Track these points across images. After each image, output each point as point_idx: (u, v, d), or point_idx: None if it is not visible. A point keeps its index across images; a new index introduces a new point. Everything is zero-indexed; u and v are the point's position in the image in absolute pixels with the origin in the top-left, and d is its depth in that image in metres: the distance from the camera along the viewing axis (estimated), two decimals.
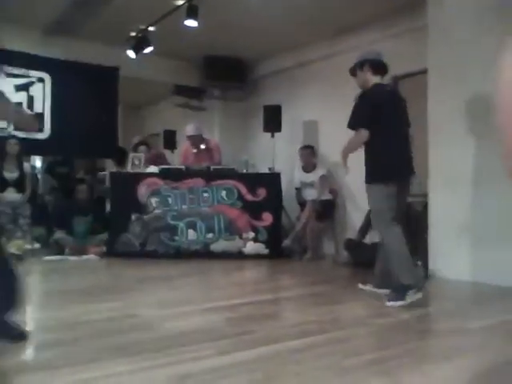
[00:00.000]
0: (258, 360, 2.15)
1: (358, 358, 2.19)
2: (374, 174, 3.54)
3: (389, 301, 3.25)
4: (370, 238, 5.23)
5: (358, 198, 5.98)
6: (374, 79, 3.64)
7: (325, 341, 2.45)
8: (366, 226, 5.27)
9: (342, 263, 5.34)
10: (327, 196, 6.01)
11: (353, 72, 3.81)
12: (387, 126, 3.47)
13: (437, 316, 3.26)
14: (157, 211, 5.56)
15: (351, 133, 6.07)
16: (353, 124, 3.61)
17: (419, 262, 4.41)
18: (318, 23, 5.89)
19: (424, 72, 4.75)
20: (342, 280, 4.67)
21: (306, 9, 5.49)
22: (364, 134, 3.50)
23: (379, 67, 3.69)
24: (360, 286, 3.86)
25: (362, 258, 4.97)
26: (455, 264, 4.25)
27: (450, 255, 4.30)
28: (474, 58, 4.18)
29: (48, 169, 7.70)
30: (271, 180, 5.83)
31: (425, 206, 4.64)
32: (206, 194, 5.62)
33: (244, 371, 2.01)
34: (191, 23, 5.34)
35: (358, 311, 3.25)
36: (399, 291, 3.24)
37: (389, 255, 3.43)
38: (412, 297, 3.20)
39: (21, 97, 6.28)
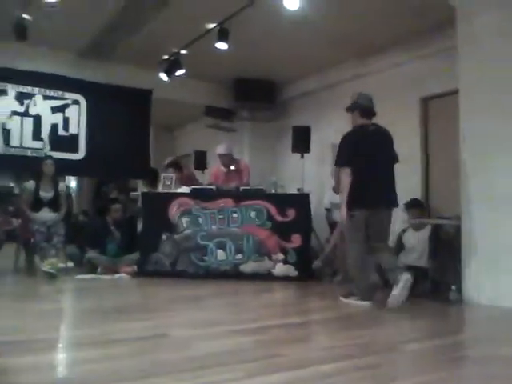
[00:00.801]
0: None
1: None
2: (349, 202, 4.10)
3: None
4: (403, 260, 5.15)
5: None
6: (361, 121, 4.28)
7: (355, 366, 2.41)
8: (398, 249, 5.20)
9: (373, 285, 5.25)
10: None
11: (348, 110, 4.41)
12: (362, 162, 4.06)
13: (471, 343, 3.17)
14: (187, 231, 5.61)
15: None
16: (336, 163, 4.26)
17: (453, 287, 4.32)
18: (345, 45, 5.95)
19: (454, 93, 4.70)
20: (373, 303, 4.59)
21: (332, 31, 5.55)
22: (347, 171, 4.08)
23: (367, 112, 4.31)
24: (341, 298, 4.27)
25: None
26: (489, 289, 4.13)
27: (485, 280, 4.18)
28: (507, 76, 4.11)
29: (97, 190, 7.86)
30: (300, 201, 5.81)
31: (458, 228, 4.54)
32: (235, 215, 5.64)
33: None
34: (222, 46, 5.46)
35: (389, 336, 3.19)
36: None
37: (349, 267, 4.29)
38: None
39: (57, 118, 6.51)
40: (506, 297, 3.99)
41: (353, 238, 4.20)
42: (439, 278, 4.72)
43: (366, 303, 4.12)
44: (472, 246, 4.35)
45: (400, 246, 5.18)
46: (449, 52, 4.83)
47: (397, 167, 5.76)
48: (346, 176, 4.07)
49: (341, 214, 4.24)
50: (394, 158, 4.34)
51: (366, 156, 4.11)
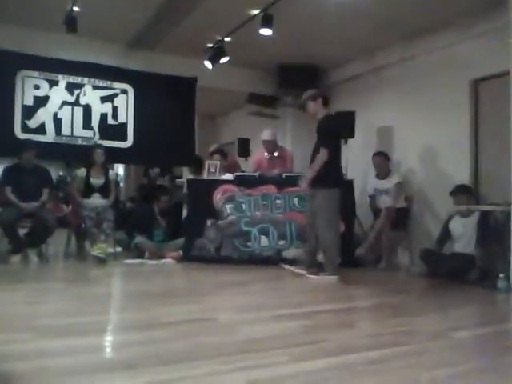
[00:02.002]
0: (332, 369, 2.14)
1: (437, 372, 2.13)
2: (328, 181, 4.69)
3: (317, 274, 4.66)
4: (448, 247, 5.05)
5: (434, 206, 5.80)
6: (325, 109, 4.91)
7: (401, 353, 2.40)
8: (444, 236, 5.10)
9: (417, 274, 5.19)
10: (402, 204, 5.86)
11: (303, 106, 5.02)
12: (337, 144, 4.87)
13: None
14: (231, 217, 5.68)
15: (427, 138, 5.96)
16: (326, 144, 4.69)
17: (501, 275, 4.21)
18: (391, 27, 5.78)
19: (506, 74, 4.52)
20: (418, 291, 4.54)
21: (378, 13, 5.41)
22: (326, 152, 4.65)
23: (327, 101, 4.99)
24: (283, 265, 5.04)
25: (440, 269, 4.81)
26: None
27: None
28: None
29: (144, 175, 8.02)
30: (344, 187, 5.73)
31: (507, 215, 4.40)
32: (278, 201, 5.67)
33: (317, 380, 2.02)
34: (266, 32, 5.42)
35: (435, 324, 3.15)
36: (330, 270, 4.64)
37: (326, 245, 4.72)
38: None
39: (106, 108, 6.68)
40: None
41: (334, 216, 4.73)
42: (487, 266, 4.60)
43: (336, 277, 4.63)
44: None
45: (446, 233, 5.07)
46: (501, 31, 4.63)
47: (445, 151, 5.68)
48: (325, 156, 4.64)
49: (302, 186, 4.91)
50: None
51: (338, 140, 4.96)
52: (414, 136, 6.13)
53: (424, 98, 6.07)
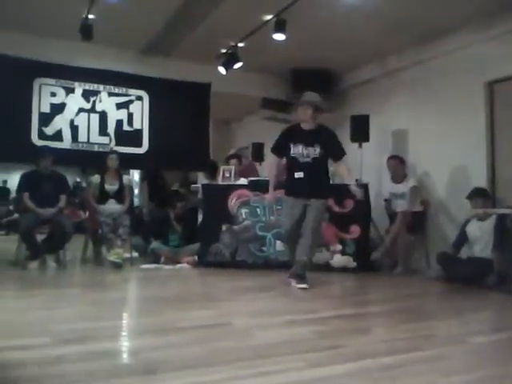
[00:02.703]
0: (347, 375, 2.14)
1: (455, 378, 2.11)
2: (330, 192, 4.70)
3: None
4: (465, 251, 5.00)
5: (451, 209, 5.75)
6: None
7: (418, 358, 2.39)
8: (461, 240, 5.05)
9: (434, 278, 5.14)
10: (418, 208, 5.82)
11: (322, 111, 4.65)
12: None
13: None
14: (246, 222, 5.70)
15: (443, 141, 5.91)
16: (344, 152, 4.60)
17: None
18: (404, 30, 5.75)
19: None
20: (435, 295, 4.50)
21: (390, 16, 5.39)
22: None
23: None
24: (296, 285, 4.41)
25: (457, 273, 4.76)
26: None
27: None
28: None
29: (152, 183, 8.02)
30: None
31: None
32: None
33: None
34: (279, 37, 5.44)
35: (452, 328, 3.12)
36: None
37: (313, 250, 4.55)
38: None
39: (122, 114, 6.76)
40: None
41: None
42: (505, 270, 4.54)
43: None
44: None
45: (463, 237, 5.02)
46: None
47: (461, 154, 5.63)
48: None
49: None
50: None
51: None
52: (429, 139, 6.09)
53: (438, 100, 6.03)
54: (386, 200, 6.12)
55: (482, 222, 4.87)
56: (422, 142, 6.21)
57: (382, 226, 6.12)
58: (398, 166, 5.98)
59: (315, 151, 4.43)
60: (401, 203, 5.81)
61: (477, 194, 4.96)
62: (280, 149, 4.61)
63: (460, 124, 5.70)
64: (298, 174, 4.44)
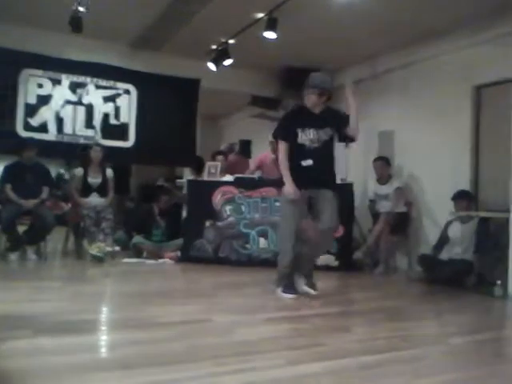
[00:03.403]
0: (325, 373, 2.15)
1: (430, 379, 2.13)
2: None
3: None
4: (446, 253, 5.05)
5: (434, 211, 5.80)
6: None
7: (395, 358, 2.41)
8: (443, 241, 5.10)
9: (414, 279, 5.19)
10: (402, 209, 5.87)
11: (325, 90, 4.16)
12: None
13: None
14: (230, 219, 5.69)
15: (429, 144, 5.95)
16: None
17: (498, 282, 4.21)
18: (394, 32, 5.78)
19: (509, 81, 4.52)
20: (415, 296, 4.54)
21: (382, 18, 5.41)
22: None
23: None
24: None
25: (437, 274, 4.81)
26: None
27: None
28: None
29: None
30: (344, 191, 5.74)
31: (506, 222, 4.41)
32: (278, 204, 5.66)
33: (311, 383, 2.03)
34: (270, 35, 5.43)
35: (430, 329, 3.16)
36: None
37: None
38: None
39: (108, 107, 6.70)
40: None
41: None
42: (485, 272, 4.61)
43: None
44: None
45: (444, 239, 5.08)
46: (505, 38, 4.63)
47: (446, 157, 5.67)
48: None
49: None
50: None
51: None
52: (415, 141, 6.13)
53: (426, 103, 6.07)
54: (370, 200, 6.16)
55: (464, 224, 4.93)
56: (408, 143, 6.26)
57: (366, 226, 6.16)
58: (383, 168, 6.02)
59: (326, 134, 4.00)
60: (385, 204, 5.86)
61: (460, 196, 5.03)
62: (289, 134, 4.01)
63: (446, 127, 5.75)
64: (306, 162, 3.92)
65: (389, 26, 5.62)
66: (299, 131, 3.95)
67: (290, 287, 3.91)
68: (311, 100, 4.05)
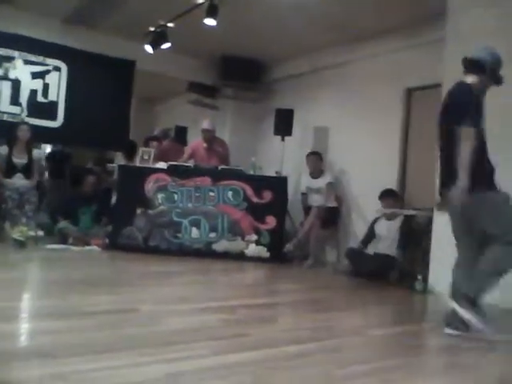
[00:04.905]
0: (249, 363, 2.16)
1: (350, 369, 2.20)
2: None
3: None
4: (372, 248, 5.24)
5: (362, 207, 5.99)
6: None
7: (318, 348, 2.47)
8: (369, 236, 5.29)
9: (342, 271, 5.35)
10: (333, 203, 6.02)
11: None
12: None
13: (433, 331, 3.25)
14: (162, 207, 5.59)
15: (360, 142, 6.15)
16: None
17: (419, 277, 4.42)
18: (339, 29, 5.88)
19: (438, 86, 4.72)
20: (340, 288, 4.68)
21: (325, 15, 5.50)
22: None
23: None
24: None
25: (363, 268, 4.99)
26: None
27: (451, 271, 4.26)
28: None
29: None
30: (278, 183, 5.85)
31: (429, 220, 4.63)
32: (212, 193, 5.65)
33: (235, 373, 2.03)
34: (210, 22, 5.36)
35: (354, 320, 3.26)
36: None
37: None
38: None
39: (36, 84, 6.35)
40: None
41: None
42: (407, 267, 4.83)
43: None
44: (441, 237, 4.44)
45: (371, 234, 5.27)
46: (436, 44, 4.83)
47: (376, 156, 5.88)
48: None
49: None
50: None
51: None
52: (347, 138, 6.29)
53: (360, 102, 6.24)
54: (302, 194, 6.27)
55: (390, 221, 5.14)
56: (341, 140, 6.41)
57: (298, 219, 6.26)
58: (316, 162, 6.14)
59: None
60: (316, 198, 5.99)
61: (387, 195, 5.23)
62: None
63: (377, 126, 5.94)
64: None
65: (331, 23, 5.72)
66: (480, 119, 2.94)
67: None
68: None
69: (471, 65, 3.06)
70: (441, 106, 3.17)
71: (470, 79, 3.02)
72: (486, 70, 3.01)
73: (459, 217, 3.02)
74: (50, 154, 7.75)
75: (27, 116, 6.17)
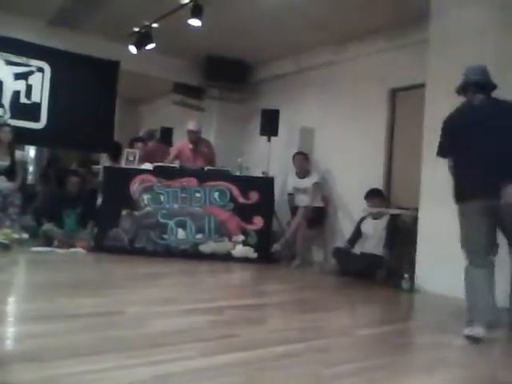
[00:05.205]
0: (238, 364, 2.16)
1: (338, 368, 2.21)
2: None
3: None
4: (359, 247, 5.27)
5: (349, 207, 6.01)
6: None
7: (306, 349, 2.47)
8: (356, 236, 5.31)
9: (329, 271, 5.36)
10: (319, 203, 6.03)
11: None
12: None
13: (420, 330, 3.29)
14: (148, 208, 5.55)
15: (346, 142, 6.18)
16: None
17: (406, 275, 4.45)
18: (324, 30, 5.89)
19: (422, 86, 4.76)
20: (328, 288, 4.69)
21: (313, 15, 5.50)
22: None
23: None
24: None
25: (350, 268, 5.00)
26: (441, 279, 4.26)
27: (437, 270, 4.31)
28: None
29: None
30: (264, 184, 5.84)
31: (415, 219, 4.67)
32: (198, 194, 5.63)
33: (223, 374, 2.03)
34: (195, 22, 5.34)
35: (341, 320, 3.27)
36: None
37: None
38: None
39: (19, 85, 6.26)
40: (454, 287, 4.13)
41: None
42: (394, 267, 4.85)
43: None
44: (427, 236, 4.49)
45: (358, 234, 5.29)
46: (420, 45, 4.88)
47: (362, 156, 5.90)
48: None
49: None
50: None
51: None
52: (333, 138, 6.31)
53: (345, 102, 6.27)
54: (289, 194, 6.27)
55: (376, 220, 5.16)
56: (326, 140, 6.43)
57: (285, 219, 6.27)
58: (302, 162, 6.15)
59: None
60: (303, 198, 5.99)
61: (373, 194, 5.25)
62: None
63: (363, 126, 5.97)
64: None
65: (317, 23, 5.72)
66: None
67: None
68: None
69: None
70: (476, 115, 3.11)
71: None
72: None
73: (482, 217, 2.99)
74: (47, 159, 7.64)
75: (10, 117, 6.08)
